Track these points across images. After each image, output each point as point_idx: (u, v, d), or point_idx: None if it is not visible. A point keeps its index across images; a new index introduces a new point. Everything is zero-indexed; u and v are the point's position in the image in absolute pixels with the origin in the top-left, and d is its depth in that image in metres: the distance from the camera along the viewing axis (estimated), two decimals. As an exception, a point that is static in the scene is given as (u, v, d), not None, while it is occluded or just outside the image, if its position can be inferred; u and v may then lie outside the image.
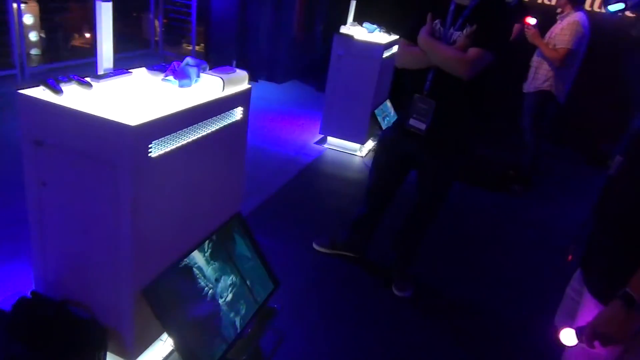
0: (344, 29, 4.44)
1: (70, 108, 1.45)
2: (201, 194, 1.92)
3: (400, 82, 2.41)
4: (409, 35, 2.25)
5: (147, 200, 1.58)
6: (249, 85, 2.07)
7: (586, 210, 4.61)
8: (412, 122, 2.26)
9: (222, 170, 2.05)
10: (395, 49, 4.70)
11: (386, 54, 4.40)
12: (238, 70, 1.99)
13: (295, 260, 2.84)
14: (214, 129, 1.84)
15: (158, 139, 1.54)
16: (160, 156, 1.56)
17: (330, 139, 4.70)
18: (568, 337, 1.36)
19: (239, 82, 1.97)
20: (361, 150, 4.60)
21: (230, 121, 1.96)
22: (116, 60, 1.84)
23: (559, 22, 3.84)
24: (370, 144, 4.71)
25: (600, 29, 3.98)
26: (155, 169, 1.56)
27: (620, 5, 1.21)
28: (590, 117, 5.25)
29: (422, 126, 2.24)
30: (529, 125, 4.10)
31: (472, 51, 2.05)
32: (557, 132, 4.17)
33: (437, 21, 2.19)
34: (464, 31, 2.10)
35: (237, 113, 2.01)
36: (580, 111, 4.49)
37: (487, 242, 3.48)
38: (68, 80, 1.57)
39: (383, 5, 5.20)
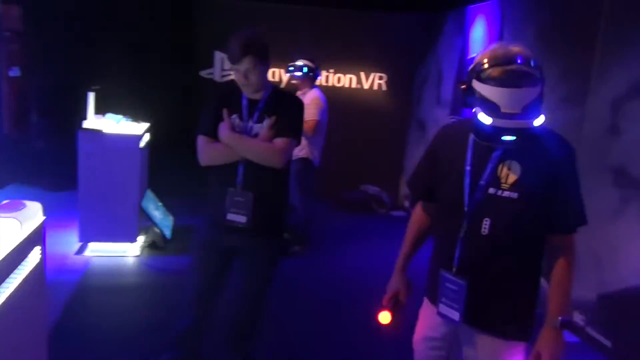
0: (87, 124, 4.01)
1: None
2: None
3: (202, 174, 2.33)
4: (209, 132, 2.19)
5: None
6: (44, 217, 1.67)
7: (361, 251, 5.02)
8: (230, 216, 2.18)
9: (26, 338, 1.56)
10: (147, 137, 4.49)
11: (142, 144, 4.17)
12: (27, 203, 1.59)
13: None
14: (15, 285, 1.41)
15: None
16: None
17: (93, 245, 4.10)
18: None
19: (34, 217, 1.58)
20: (133, 249, 4.17)
21: (29, 268, 1.53)
22: None
23: (300, 98, 4.35)
24: (142, 239, 4.31)
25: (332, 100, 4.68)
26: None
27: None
28: (332, 171, 6.03)
29: (243, 219, 2.18)
30: (294, 190, 4.44)
31: (279, 141, 2.14)
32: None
33: (234, 116, 2.20)
34: (264, 123, 2.17)
35: (35, 256, 1.59)
36: (322, 167, 5.09)
37: (306, 315, 3.52)
38: None
39: (122, 94, 4.91)
